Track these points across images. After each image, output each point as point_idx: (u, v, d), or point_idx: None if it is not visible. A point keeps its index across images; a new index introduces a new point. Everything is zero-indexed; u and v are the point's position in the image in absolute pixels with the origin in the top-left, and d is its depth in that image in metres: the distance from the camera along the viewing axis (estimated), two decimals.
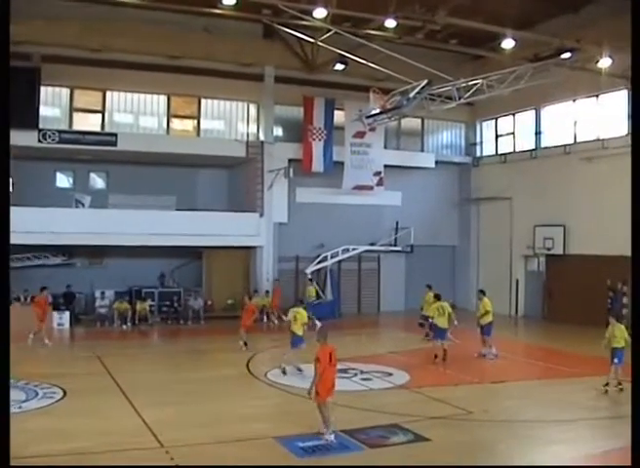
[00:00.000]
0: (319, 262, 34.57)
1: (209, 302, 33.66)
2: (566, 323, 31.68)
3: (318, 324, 29.49)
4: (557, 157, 34.50)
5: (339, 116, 35.71)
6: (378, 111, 29.31)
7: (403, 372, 20.91)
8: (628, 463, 13.09)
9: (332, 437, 13.57)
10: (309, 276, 33.99)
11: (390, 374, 20.69)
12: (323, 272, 35.22)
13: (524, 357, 24.38)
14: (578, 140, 33.99)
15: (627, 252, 29.66)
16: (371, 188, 36.11)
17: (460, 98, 27.94)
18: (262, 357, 23.73)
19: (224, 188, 36.49)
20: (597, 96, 32.76)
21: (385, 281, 37.25)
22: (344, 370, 21.04)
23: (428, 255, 37.88)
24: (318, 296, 34.42)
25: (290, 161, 34.02)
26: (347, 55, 30.87)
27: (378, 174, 36.22)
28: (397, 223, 36.70)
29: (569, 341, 28.11)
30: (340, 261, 35.44)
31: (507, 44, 26.01)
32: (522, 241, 35.94)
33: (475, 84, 27.64)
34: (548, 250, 34.22)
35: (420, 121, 39.15)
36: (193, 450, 12.97)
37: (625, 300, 28.63)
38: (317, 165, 34.87)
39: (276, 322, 31.82)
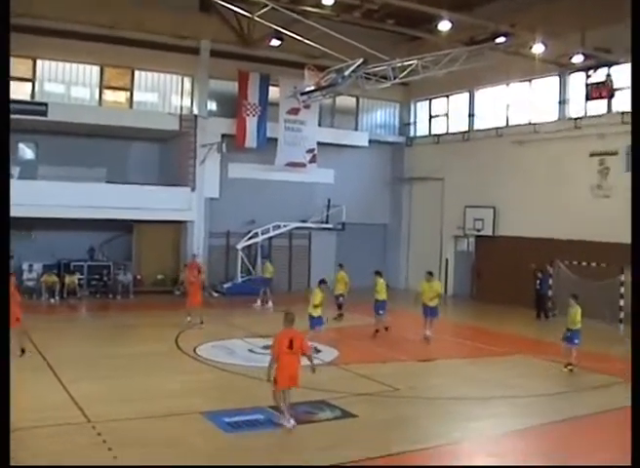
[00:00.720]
0: (250, 238, 34.55)
1: (138, 277, 33.39)
2: (494, 302, 32.21)
3: (270, 305, 29.64)
4: (489, 139, 34.93)
5: (273, 92, 35.54)
6: (312, 88, 29.29)
7: (332, 349, 21.05)
8: (548, 438, 13.53)
9: (291, 424, 13.09)
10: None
11: (319, 351, 20.74)
12: (254, 248, 35.21)
13: (452, 336, 24.73)
14: (510, 124, 34.48)
15: (553, 234, 30.37)
16: (304, 165, 36.12)
17: (394, 78, 28.08)
18: (191, 332, 23.62)
19: (157, 162, 36.05)
20: (530, 80, 33.24)
21: (316, 258, 37.33)
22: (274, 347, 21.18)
23: (360, 234, 38.08)
24: (248, 272, 34.47)
25: (223, 136, 33.79)
26: (284, 31, 30.75)
27: (311, 151, 36.23)
28: (329, 201, 36.80)
29: (496, 321, 28.61)
30: (270, 238, 35.43)
31: (444, 26, 26.12)
32: (452, 221, 36.38)
33: (410, 64, 27.79)
34: (478, 231, 34.71)
35: (354, 100, 39.22)
36: (120, 425, 12.92)
37: (551, 282, 29.23)
38: (250, 140, 34.72)
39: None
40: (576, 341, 19.32)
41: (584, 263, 28.31)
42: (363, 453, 11.95)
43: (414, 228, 39.70)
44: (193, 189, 33.57)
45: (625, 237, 27.20)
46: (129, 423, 13.14)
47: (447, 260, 37.04)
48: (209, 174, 34.10)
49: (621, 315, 26.68)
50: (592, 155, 29.92)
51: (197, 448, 12.00)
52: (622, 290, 26.96)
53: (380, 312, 24.33)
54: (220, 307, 29.25)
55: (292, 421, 13.10)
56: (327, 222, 36.73)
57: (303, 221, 36.31)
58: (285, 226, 35.42)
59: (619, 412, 15.44)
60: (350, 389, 16.34)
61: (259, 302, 30.12)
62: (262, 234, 34.80)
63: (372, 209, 39.21)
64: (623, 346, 22.96)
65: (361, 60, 27.08)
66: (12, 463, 7.90)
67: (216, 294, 32.78)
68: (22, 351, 18.41)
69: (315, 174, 36.76)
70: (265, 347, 21.12)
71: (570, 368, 19.22)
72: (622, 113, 28.88)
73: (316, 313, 20.74)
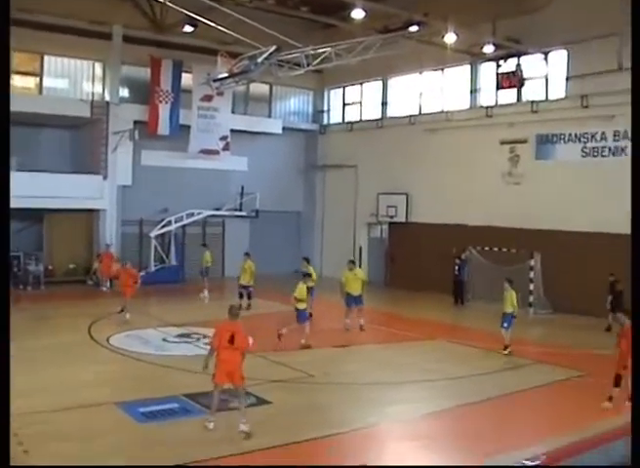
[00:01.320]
0: (163, 226, 34.20)
1: (50, 267, 32.74)
2: (408, 289, 32.56)
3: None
4: (402, 127, 35.22)
5: (186, 79, 35.10)
6: (225, 75, 29.09)
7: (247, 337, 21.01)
8: (463, 419, 13.80)
9: (210, 426, 12.56)
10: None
11: None
12: (167, 236, 34.89)
13: (367, 322, 24.86)
14: (422, 112, 34.80)
15: (465, 220, 30.80)
16: (217, 153, 35.86)
17: (308, 66, 28.02)
18: (105, 322, 23.31)
19: (68, 149, 35.23)
20: (442, 69, 33.61)
21: (230, 246, 37.10)
22: (187, 335, 21.10)
23: (274, 221, 38.05)
24: (162, 261, 34.17)
25: (135, 123, 33.25)
26: (197, 17, 30.41)
27: (224, 138, 35.98)
28: (242, 188, 36.63)
29: (411, 307, 28.96)
30: (184, 226, 35.14)
31: (357, 14, 26.17)
32: (366, 208, 36.58)
33: (324, 52, 27.78)
34: (391, 217, 34.97)
35: (268, 87, 39.09)
36: (35, 418, 12.68)
37: (467, 268, 29.74)
38: (163, 128, 34.30)
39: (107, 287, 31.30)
40: (505, 325, 19.75)
41: (495, 249, 28.89)
42: (276, 440, 11.99)
43: (327, 215, 39.85)
44: (105, 177, 33.02)
45: (535, 223, 27.85)
46: (44, 415, 12.92)
47: (360, 247, 37.26)
48: (121, 161, 33.54)
49: (531, 299, 27.31)
50: (503, 143, 30.45)
51: (111, 441, 11.87)
52: (532, 274, 27.63)
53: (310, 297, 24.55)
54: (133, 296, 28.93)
55: (211, 425, 12.58)
56: (240, 210, 36.56)
57: (217, 209, 36.05)
58: (199, 214, 35.15)
59: (531, 392, 15.92)
60: (265, 376, 16.32)
61: (205, 293, 29.78)
62: (176, 222, 34.47)
63: (285, 196, 39.19)
64: (534, 329, 23.59)
65: (274, 48, 26.98)
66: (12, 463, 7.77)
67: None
68: None
69: (229, 161, 36.52)
70: (179, 336, 21.11)
71: (509, 351, 19.67)
72: (532, 102, 29.49)
73: (301, 306, 20.51)
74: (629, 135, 26.12)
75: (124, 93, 35.01)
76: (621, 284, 22.64)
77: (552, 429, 12.82)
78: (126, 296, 23.91)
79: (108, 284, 31.05)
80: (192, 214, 34.91)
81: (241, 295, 26.74)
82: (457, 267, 29.91)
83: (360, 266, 34.42)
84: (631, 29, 4.94)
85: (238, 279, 27.32)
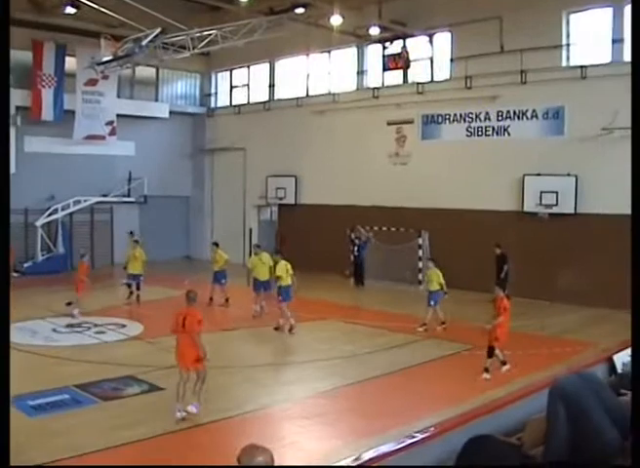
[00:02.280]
0: (50, 215, 33.46)
1: None
2: (300, 270, 32.59)
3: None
4: (290, 109, 35.23)
5: (70, 63, 34.26)
6: (109, 58, 28.61)
7: (137, 324, 20.89)
8: (354, 396, 14.01)
9: (177, 415, 12.42)
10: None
11: (124, 326, 20.57)
12: (54, 225, 34.14)
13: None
14: (310, 94, 34.90)
15: (355, 201, 31.06)
16: (103, 138, 35.21)
17: (193, 48, 27.82)
18: None
19: None
20: (329, 51, 33.72)
21: (119, 232, 36.49)
22: (77, 325, 20.77)
23: (163, 206, 37.64)
24: (49, 250, 33.46)
25: (18, 108, 32.33)
26: None
27: (110, 123, 35.36)
28: (130, 174, 36.14)
29: (304, 288, 29.05)
30: (71, 213, 34.44)
31: None
32: (255, 191, 36.56)
33: (210, 34, 27.60)
34: (280, 199, 35.04)
35: (154, 70, 38.56)
36: None
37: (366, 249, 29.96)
38: (47, 113, 33.48)
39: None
40: (432, 302, 20.21)
41: (385, 228, 29.30)
42: (169, 426, 11.96)
43: (217, 199, 39.64)
44: None
45: (423, 202, 28.28)
46: None
47: (251, 230, 37.20)
48: None
49: (420, 276, 27.81)
50: (390, 124, 30.83)
51: None
52: (420, 252, 28.13)
53: (222, 281, 24.66)
54: (21, 287, 28.24)
55: (178, 414, 12.42)
56: (129, 196, 36.10)
57: (105, 195, 35.46)
58: (86, 201, 34.49)
59: (421, 367, 16.29)
60: (157, 363, 16.22)
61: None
62: (63, 210, 33.77)
63: (174, 181, 38.80)
64: (423, 306, 24.01)
65: (159, 30, 26.67)
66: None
67: (16, 275, 31.58)
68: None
69: (115, 146, 35.90)
70: (69, 326, 20.74)
71: (425, 328, 20.23)
72: (418, 83, 29.90)
73: (285, 282, 20.71)
74: (512, 114, 26.92)
75: None
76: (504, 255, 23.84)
77: (443, 402, 13.12)
78: (78, 292, 22.65)
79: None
80: (79, 202, 34.22)
81: (129, 285, 25.62)
82: (356, 248, 30.10)
83: (251, 249, 34.38)
84: (631, 29, 5.07)
85: (125, 267, 26.13)
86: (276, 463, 4.68)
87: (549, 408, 4.80)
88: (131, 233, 27.58)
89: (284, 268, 21.15)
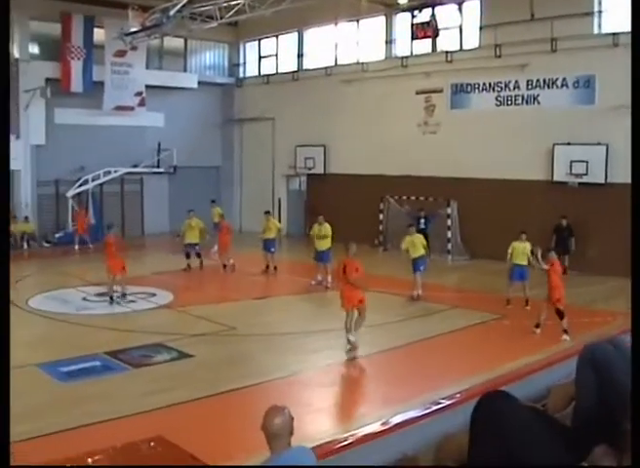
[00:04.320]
0: (80, 185, 33.67)
1: None
2: None
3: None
4: (318, 79, 35.11)
5: (99, 34, 34.33)
6: (137, 29, 28.63)
7: (167, 292, 21.01)
8: (380, 364, 14.09)
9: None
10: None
11: (154, 295, 20.74)
12: (85, 196, 34.36)
13: (287, 273, 25.05)
14: (338, 63, 34.75)
15: (383, 170, 31.01)
16: (132, 109, 35.31)
17: (221, 18, 27.77)
18: (23, 284, 22.97)
19: None
20: (357, 21, 33.51)
21: (149, 203, 36.77)
22: (107, 294, 20.92)
23: (192, 176, 37.71)
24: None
25: (47, 80, 32.49)
26: None
27: (139, 94, 35.43)
28: (159, 144, 36.22)
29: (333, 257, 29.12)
30: (102, 184, 34.64)
31: None
32: (284, 161, 36.54)
33: (237, 4, 27.52)
34: (309, 169, 35.04)
35: (182, 41, 38.53)
36: None
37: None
38: (76, 85, 33.60)
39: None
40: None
41: (413, 198, 29.26)
42: (198, 392, 12.10)
43: (246, 169, 39.69)
44: (18, 137, 32.24)
45: (451, 171, 28.22)
46: None
47: (280, 200, 37.29)
48: (34, 120, 32.78)
49: (449, 246, 27.79)
50: (418, 93, 30.64)
51: (35, 401, 11.80)
52: (449, 222, 28.07)
53: (272, 250, 24.78)
54: (52, 257, 28.61)
55: (350, 339, 14.75)
56: (158, 166, 36.21)
57: (135, 166, 35.61)
58: (116, 172, 34.64)
59: (448, 336, 16.31)
60: (187, 330, 16.40)
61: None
62: (93, 181, 33.96)
63: (203, 151, 38.83)
64: (451, 275, 24.04)
65: (186, 0, 26.64)
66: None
67: (47, 244, 31.94)
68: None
69: (144, 117, 36.01)
70: (99, 294, 20.92)
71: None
72: (447, 52, 29.67)
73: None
74: (541, 83, 26.68)
75: (34, 50, 34.09)
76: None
77: (470, 370, 13.15)
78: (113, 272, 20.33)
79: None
80: (109, 173, 34.38)
81: (188, 255, 25.51)
82: (422, 221, 29.66)
83: (280, 218, 34.49)
84: (631, 29, 5.05)
85: (182, 238, 25.99)
86: (300, 429, 4.76)
87: (578, 374, 4.81)
88: (191, 210, 27.57)
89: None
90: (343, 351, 14.90)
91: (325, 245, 23.04)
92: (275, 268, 24.74)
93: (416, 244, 20.39)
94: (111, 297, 19.86)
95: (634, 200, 4.75)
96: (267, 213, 26.24)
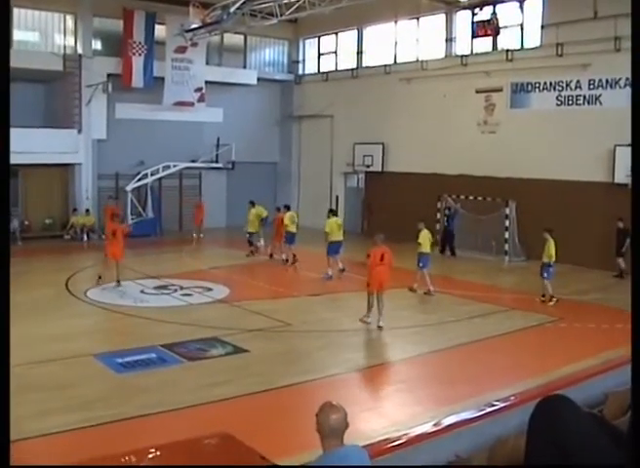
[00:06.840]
0: (139, 180, 34.04)
1: (26, 222, 32.52)
2: (386, 238, 32.53)
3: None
4: (378, 77, 35.05)
5: (160, 30, 34.69)
6: (197, 25, 28.83)
7: (223, 287, 21.16)
8: (435, 364, 14.02)
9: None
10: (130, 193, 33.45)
11: (210, 289, 20.89)
12: (144, 190, 34.74)
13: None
14: (398, 61, 34.64)
15: (441, 170, 30.87)
16: (192, 104, 35.60)
17: (281, 15, 27.83)
18: (82, 276, 23.33)
19: (41, 104, 34.78)
20: (417, 18, 33.37)
21: (207, 198, 37.00)
22: (164, 287, 21.15)
23: (250, 172, 37.91)
24: (139, 214, 34.09)
25: (109, 76, 32.89)
26: None
27: (199, 90, 35.71)
28: (218, 140, 36.44)
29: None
30: (160, 178, 34.99)
31: None
32: (342, 158, 36.52)
33: (297, 1, 27.56)
34: (367, 167, 34.97)
35: (242, 38, 38.74)
36: (12, 371, 12.69)
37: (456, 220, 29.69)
38: (137, 80, 33.97)
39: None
40: (545, 275, 19.97)
41: (471, 197, 29.05)
42: (254, 387, 12.16)
43: (304, 166, 39.78)
44: (80, 131, 32.76)
45: (510, 171, 27.97)
46: (16, 370, 12.89)
47: (337, 197, 37.30)
48: (95, 115, 33.25)
49: (506, 247, 27.55)
50: (478, 92, 30.41)
51: (90, 390, 11.98)
52: (507, 223, 27.80)
53: (339, 252, 24.34)
54: None
55: (367, 319, 16.33)
56: (217, 162, 36.43)
57: (193, 161, 35.88)
58: (175, 166, 34.95)
59: (504, 337, 16.17)
60: (242, 325, 16.49)
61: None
62: (152, 175, 34.30)
63: (261, 147, 39.03)
64: (508, 277, 23.82)
65: None
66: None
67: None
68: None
69: (204, 113, 36.29)
70: (157, 287, 21.17)
71: (555, 299, 19.91)
72: (507, 51, 29.39)
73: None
74: (604, 83, 26.29)
75: (97, 45, 34.53)
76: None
77: (525, 373, 13.03)
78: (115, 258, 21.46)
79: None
80: (168, 167, 34.71)
81: (250, 243, 27.93)
82: (446, 218, 29.84)
83: (337, 215, 34.43)
84: (631, 29, 4.97)
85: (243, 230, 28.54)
86: (353, 427, 4.75)
87: (530, 429, 4.70)
88: (251, 202, 28.43)
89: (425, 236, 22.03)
90: (397, 350, 14.91)
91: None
92: (342, 270, 24.23)
93: (424, 241, 21.09)
94: (118, 281, 21.16)
95: (634, 200, 4.66)
96: (331, 211, 25.45)
